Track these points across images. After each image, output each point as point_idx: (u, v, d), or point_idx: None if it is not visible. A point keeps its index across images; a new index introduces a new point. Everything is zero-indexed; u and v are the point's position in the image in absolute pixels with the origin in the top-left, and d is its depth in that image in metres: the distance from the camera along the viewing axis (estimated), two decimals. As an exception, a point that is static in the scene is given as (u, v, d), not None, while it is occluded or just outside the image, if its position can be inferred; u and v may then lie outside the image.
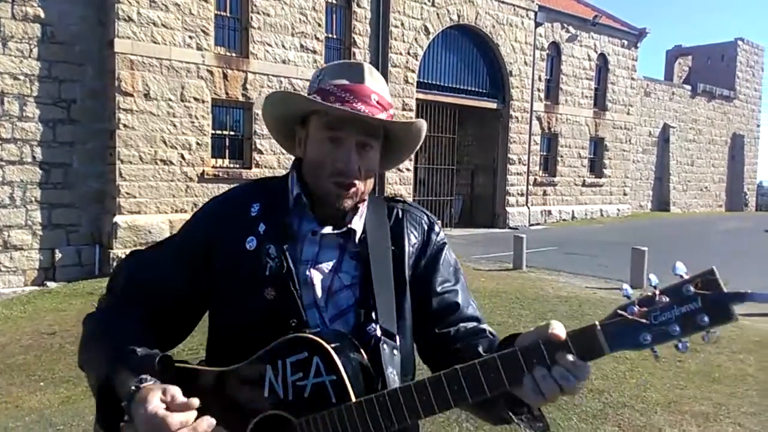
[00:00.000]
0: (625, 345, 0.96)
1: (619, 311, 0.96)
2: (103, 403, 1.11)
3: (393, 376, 1.16)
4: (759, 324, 7.50)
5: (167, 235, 10.48)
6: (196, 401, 1.02)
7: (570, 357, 0.96)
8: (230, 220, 1.27)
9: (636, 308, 0.95)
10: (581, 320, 7.39)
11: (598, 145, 24.80)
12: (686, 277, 0.95)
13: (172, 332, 1.29)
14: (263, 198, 1.30)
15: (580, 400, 4.76)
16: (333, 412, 1.06)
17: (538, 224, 21.83)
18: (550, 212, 22.71)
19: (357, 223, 1.29)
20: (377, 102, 1.26)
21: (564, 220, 23.13)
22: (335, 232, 1.27)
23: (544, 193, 22.60)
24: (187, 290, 1.27)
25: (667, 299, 0.94)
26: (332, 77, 1.28)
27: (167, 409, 1.00)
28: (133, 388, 1.04)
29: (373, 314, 1.21)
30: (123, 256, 9.40)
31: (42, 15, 11.74)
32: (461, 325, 1.30)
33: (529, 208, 21.84)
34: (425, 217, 1.40)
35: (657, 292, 0.95)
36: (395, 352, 1.20)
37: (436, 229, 1.40)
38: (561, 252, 14.36)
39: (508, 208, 21.11)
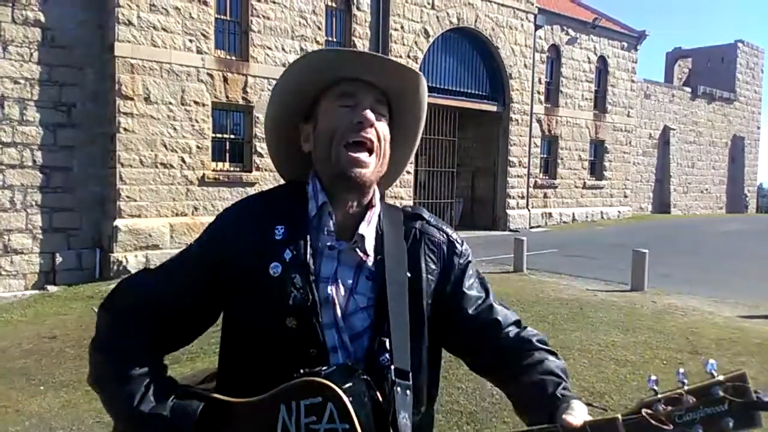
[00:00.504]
0: None
1: (644, 409, 0.94)
2: None
3: (405, 421, 1.14)
4: (760, 326, 7.49)
5: (168, 239, 10.44)
6: None
7: None
8: (251, 239, 1.23)
9: (661, 407, 0.93)
10: (582, 322, 7.39)
11: (598, 147, 24.80)
12: (717, 376, 0.93)
13: (177, 340, 1.28)
14: (287, 220, 1.24)
15: (582, 402, 4.74)
16: None
17: (538, 226, 21.82)
18: (550, 214, 22.71)
19: (365, 230, 1.26)
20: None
21: (564, 222, 23.13)
22: (350, 246, 1.24)
23: (545, 196, 22.60)
24: (198, 306, 1.25)
25: (694, 400, 0.93)
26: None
27: None
28: None
29: (387, 344, 1.19)
30: (123, 259, 9.40)
31: (42, 19, 11.76)
32: (505, 331, 1.30)
33: (529, 210, 21.84)
34: (444, 237, 1.35)
35: (684, 391, 0.94)
36: (408, 392, 1.17)
37: (458, 248, 1.35)
38: (562, 254, 14.35)
39: (508, 211, 21.11)
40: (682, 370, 0.96)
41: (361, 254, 1.25)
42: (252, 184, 14.24)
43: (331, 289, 1.21)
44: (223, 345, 1.29)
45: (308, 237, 1.22)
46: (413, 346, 1.22)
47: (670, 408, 0.93)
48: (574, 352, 6.15)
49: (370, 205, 1.30)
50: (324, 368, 1.11)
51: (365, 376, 1.12)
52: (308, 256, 1.20)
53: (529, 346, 1.27)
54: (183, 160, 13.16)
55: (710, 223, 25.47)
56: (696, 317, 7.91)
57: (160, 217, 12.83)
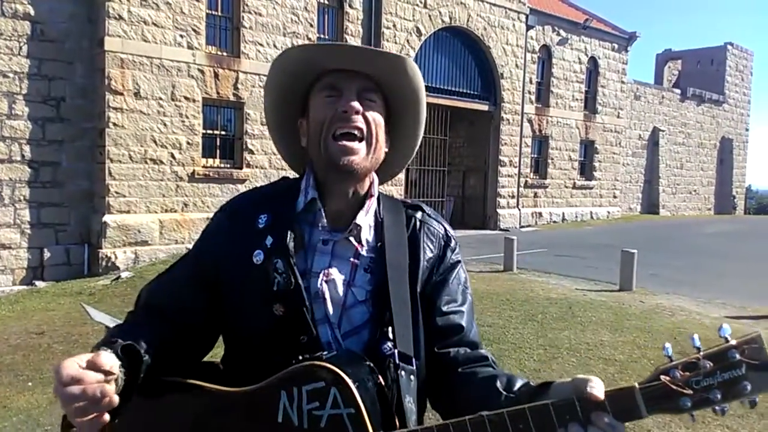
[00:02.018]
0: (663, 409, 0.94)
1: (662, 376, 0.94)
2: None
3: (410, 405, 1.13)
4: (747, 327, 7.56)
5: (157, 235, 10.42)
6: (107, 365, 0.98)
7: (606, 418, 0.94)
8: (237, 233, 1.24)
9: (679, 373, 0.93)
10: (571, 322, 7.43)
11: (588, 147, 24.92)
12: (732, 341, 0.93)
13: (194, 348, 1.27)
14: (271, 208, 1.25)
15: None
16: None
17: (528, 226, 21.90)
18: (540, 214, 22.80)
19: (362, 219, 1.25)
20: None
21: (554, 222, 23.23)
22: (344, 236, 1.24)
23: (535, 195, 22.69)
24: (202, 308, 1.24)
25: (711, 364, 0.93)
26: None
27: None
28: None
29: (390, 333, 1.18)
30: (111, 255, 9.36)
31: (32, 12, 11.67)
32: (461, 348, 1.25)
33: (519, 209, 21.91)
34: (443, 230, 1.35)
35: (701, 356, 0.94)
36: (412, 377, 1.16)
37: (452, 244, 1.35)
38: (551, 254, 14.41)
39: (498, 210, 21.17)
40: (668, 345, 0.96)
41: (356, 244, 1.24)
42: (242, 181, 14.20)
43: (321, 284, 1.19)
44: (225, 342, 1.29)
45: (292, 225, 1.22)
46: (414, 331, 1.21)
47: (687, 374, 0.93)
48: (563, 351, 6.18)
49: (368, 195, 1.29)
50: (325, 353, 1.10)
51: (368, 362, 1.11)
52: (289, 240, 1.19)
53: (486, 362, 1.23)
54: (173, 156, 13.10)
55: (698, 224, 25.67)
56: (683, 317, 7.97)
57: (150, 213, 12.76)
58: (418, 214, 1.34)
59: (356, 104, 1.22)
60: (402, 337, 1.17)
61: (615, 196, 26.60)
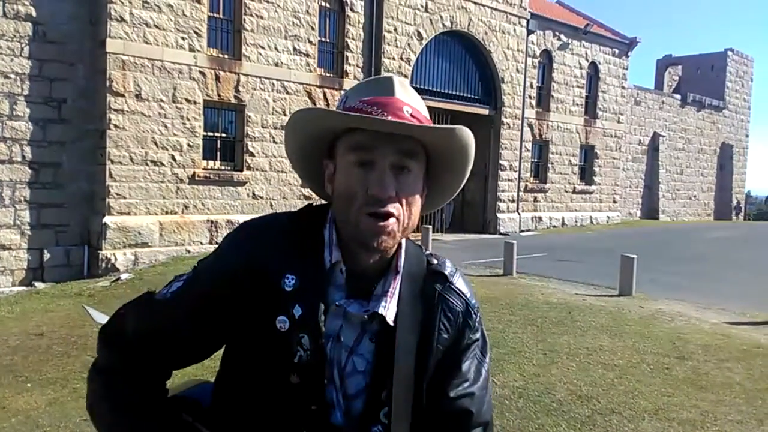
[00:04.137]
0: None
1: None
2: None
3: None
4: (745, 333, 7.56)
5: (157, 237, 10.37)
6: None
7: None
8: (259, 283, 1.10)
9: None
10: (570, 326, 7.43)
11: (588, 152, 24.95)
12: None
13: (184, 362, 1.21)
14: (299, 267, 1.11)
15: (569, 406, 4.78)
16: None
17: (528, 230, 21.91)
18: (540, 219, 22.81)
19: (385, 306, 1.13)
20: (411, 115, 1.09)
21: (554, 226, 23.24)
22: (362, 313, 1.12)
23: (535, 200, 22.70)
24: (205, 339, 1.17)
25: None
26: (359, 95, 1.13)
27: None
28: None
29: (382, 416, 1.12)
30: (111, 257, 9.34)
31: (34, 14, 11.69)
32: None
33: (519, 214, 21.92)
34: (462, 305, 1.22)
35: None
36: None
37: (472, 321, 1.23)
38: (551, 258, 14.41)
39: (498, 214, 21.18)
40: None
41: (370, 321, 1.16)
42: (243, 183, 14.21)
43: (332, 348, 1.12)
44: (222, 375, 1.21)
45: (320, 292, 1.11)
46: (414, 422, 1.13)
47: None
48: (562, 356, 6.18)
49: (395, 269, 1.16)
50: None
51: None
52: (320, 314, 1.09)
53: None
54: (173, 158, 13.11)
55: (698, 229, 25.67)
56: (683, 323, 7.97)
57: (150, 215, 12.77)
58: (438, 286, 1.21)
59: (390, 188, 1.07)
60: (398, 426, 1.12)
61: (615, 201, 26.62)
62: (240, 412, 1.14)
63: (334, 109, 1.12)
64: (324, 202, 1.23)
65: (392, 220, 1.08)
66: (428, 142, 1.12)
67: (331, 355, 1.11)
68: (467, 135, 1.13)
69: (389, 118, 1.06)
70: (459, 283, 1.24)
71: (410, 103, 1.11)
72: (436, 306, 1.19)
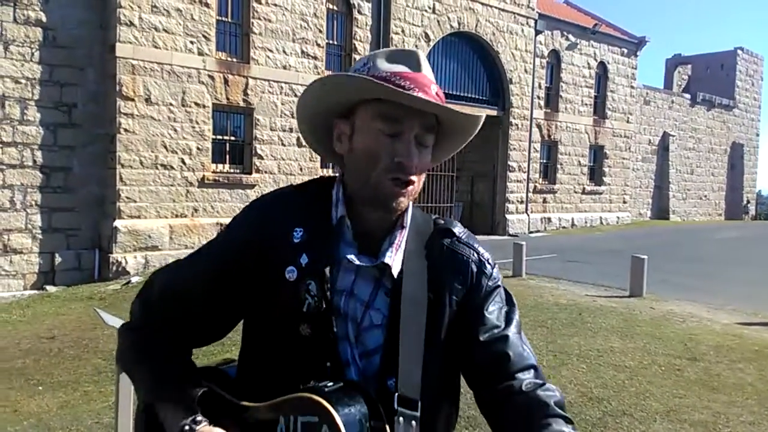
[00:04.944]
0: None
1: None
2: (148, 419, 1.15)
3: None
4: (757, 333, 7.51)
5: (167, 240, 10.42)
6: None
7: None
8: (270, 239, 1.17)
9: None
10: (580, 328, 7.40)
11: (597, 152, 24.85)
12: None
13: (208, 334, 1.25)
14: (306, 221, 1.18)
15: (580, 408, 4.75)
16: None
17: (537, 231, 21.84)
18: (549, 219, 22.74)
19: (391, 257, 1.16)
20: (436, 94, 1.14)
21: (564, 227, 23.16)
22: (371, 265, 1.16)
23: (544, 201, 22.63)
24: (223, 302, 1.20)
25: None
26: (385, 64, 1.15)
27: None
28: (186, 428, 1.07)
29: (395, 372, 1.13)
30: (122, 260, 9.40)
31: (44, 19, 11.78)
32: (520, 376, 1.14)
33: (528, 215, 21.85)
34: (475, 255, 1.24)
35: None
36: (413, 423, 1.07)
37: (488, 270, 1.24)
38: (561, 259, 14.36)
39: (507, 215, 21.13)
40: None
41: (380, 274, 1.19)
42: (252, 186, 14.24)
43: (345, 302, 1.15)
44: (244, 340, 1.26)
45: (327, 244, 1.16)
46: (427, 372, 1.13)
47: None
48: (573, 358, 6.16)
49: (400, 225, 1.21)
50: (330, 384, 1.04)
51: (371, 400, 1.05)
52: (325, 263, 1.14)
53: (546, 412, 1.09)
54: (183, 162, 13.17)
55: (709, 229, 25.51)
56: (694, 323, 7.92)
57: (160, 219, 12.83)
58: (447, 240, 1.24)
59: (416, 159, 1.13)
60: (406, 378, 1.11)
61: (625, 202, 26.49)
62: (259, 377, 1.18)
63: (353, 71, 1.18)
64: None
65: (411, 187, 1.15)
66: (446, 119, 1.18)
67: (345, 309, 1.15)
68: (482, 119, 1.23)
69: (419, 94, 1.10)
70: (469, 238, 1.28)
71: (434, 81, 1.16)
72: (446, 259, 1.22)
